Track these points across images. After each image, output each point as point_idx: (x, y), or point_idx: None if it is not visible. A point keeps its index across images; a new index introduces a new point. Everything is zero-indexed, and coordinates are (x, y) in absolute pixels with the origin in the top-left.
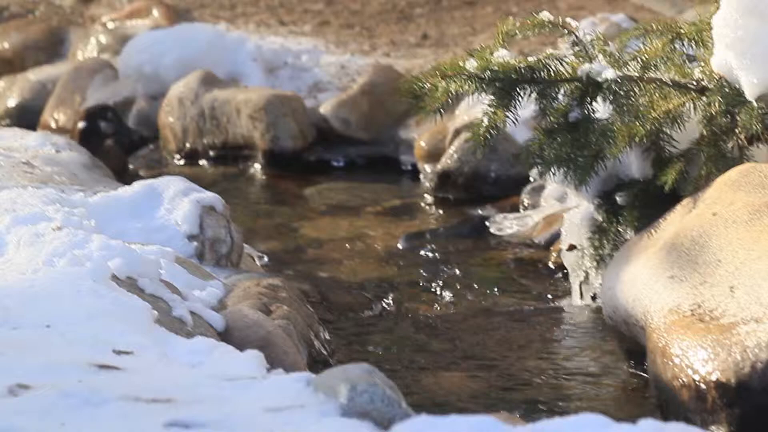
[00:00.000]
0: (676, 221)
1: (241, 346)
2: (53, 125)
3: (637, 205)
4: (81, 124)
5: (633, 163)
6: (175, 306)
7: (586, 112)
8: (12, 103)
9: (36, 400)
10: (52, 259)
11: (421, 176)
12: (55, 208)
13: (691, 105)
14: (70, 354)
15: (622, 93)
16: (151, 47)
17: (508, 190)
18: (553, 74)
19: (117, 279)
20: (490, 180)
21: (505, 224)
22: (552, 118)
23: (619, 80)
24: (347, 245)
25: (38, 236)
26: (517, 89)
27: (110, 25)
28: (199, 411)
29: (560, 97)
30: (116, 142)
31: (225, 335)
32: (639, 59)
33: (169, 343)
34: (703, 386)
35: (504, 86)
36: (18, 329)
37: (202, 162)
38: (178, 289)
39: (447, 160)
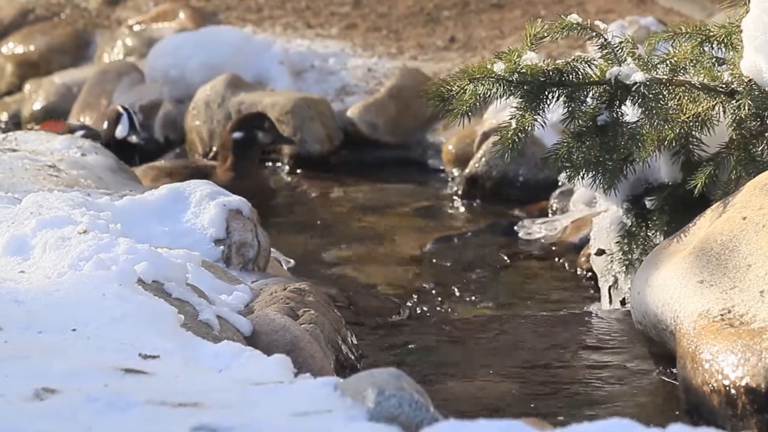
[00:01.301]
0: (705, 225)
1: (267, 351)
2: None
3: (666, 209)
4: (236, 134)
5: (662, 167)
6: (202, 310)
7: (614, 115)
8: (38, 106)
9: (62, 404)
10: (77, 263)
11: (449, 180)
12: (81, 212)
13: (721, 108)
14: (96, 358)
15: (651, 96)
16: (177, 50)
17: (536, 195)
18: (581, 77)
19: (143, 283)
20: (518, 184)
21: (533, 229)
22: (580, 122)
23: (648, 83)
24: (374, 249)
25: (64, 240)
26: (546, 92)
27: (136, 28)
28: (225, 415)
29: (589, 100)
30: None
31: (252, 339)
32: (668, 62)
33: (196, 348)
34: (733, 391)
35: (532, 89)
36: (44, 333)
37: None
38: (205, 293)
39: (475, 164)
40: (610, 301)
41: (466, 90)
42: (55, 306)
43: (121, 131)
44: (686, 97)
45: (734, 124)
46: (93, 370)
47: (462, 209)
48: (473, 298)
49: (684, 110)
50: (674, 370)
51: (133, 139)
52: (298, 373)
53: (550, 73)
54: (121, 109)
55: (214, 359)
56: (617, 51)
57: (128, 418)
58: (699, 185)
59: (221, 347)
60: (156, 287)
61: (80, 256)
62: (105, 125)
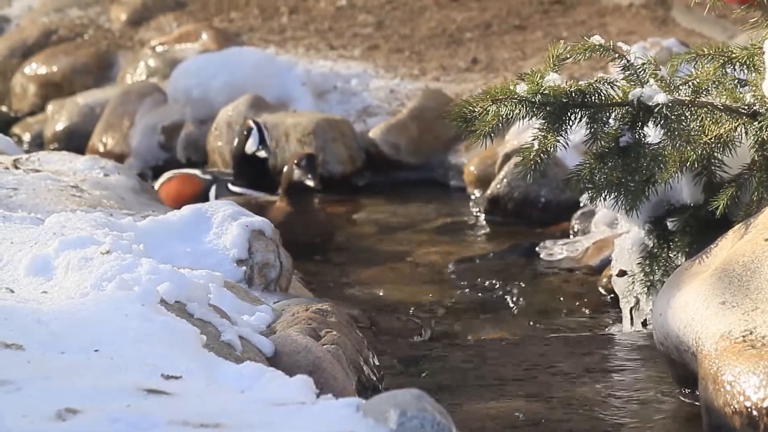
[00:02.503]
0: (727, 247)
1: (290, 372)
2: (101, 149)
3: (688, 230)
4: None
5: (684, 188)
6: (224, 331)
7: (637, 136)
8: (60, 126)
9: (84, 424)
10: (100, 283)
11: (471, 201)
12: (103, 232)
13: (743, 129)
14: (119, 378)
15: (673, 117)
16: (200, 71)
17: (558, 216)
18: (604, 98)
19: (165, 303)
20: (540, 205)
21: (555, 250)
22: (603, 143)
23: (670, 105)
24: (397, 270)
25: (87, 260)
26: (568, 113)
27: (159, 49)
28: None
29: (611, 121)
30: None
31: (274, 360)
32: (690, 84)
33: (218, 368)
34: (755, 413)
35: (554, 110)
36: (66, 353)
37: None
38: (227, 313)
39: (497, 185)
40: (632, 323)
41: (488, 111)
42: (78, 326)
43: (251, 145)
44: (708, 119)
45: (756, 146)
46: (115, 390)
47: (484, 230)
48: (495, 319)
49: (706, 131)
50: (696, 392)
51: (262, 153)
52: (320, 394)
53: (573, 95)
54: (251, 123)
55: (236, 380)
56: (639, 72)
57: None
58: (721, 206)
59: (243, 368)
60: (178, 308)
61: (103, 277)
62: (235, 140)
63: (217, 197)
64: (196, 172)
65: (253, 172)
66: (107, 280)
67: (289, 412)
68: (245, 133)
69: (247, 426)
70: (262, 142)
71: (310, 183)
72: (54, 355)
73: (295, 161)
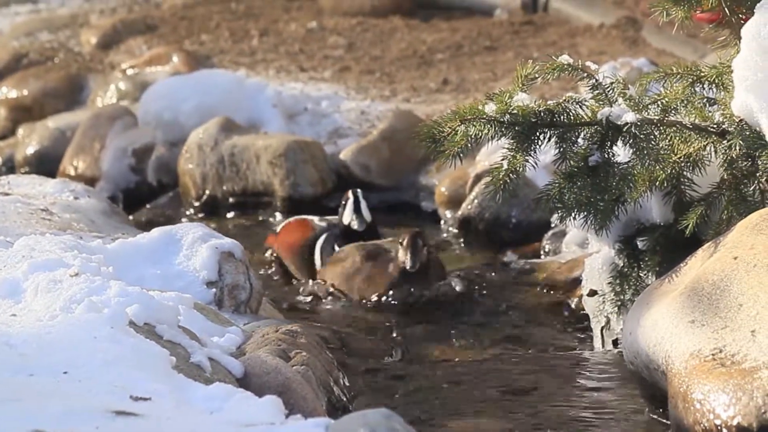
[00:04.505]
0: (697, 266)
1: (259, 393)
2: (72, 172)
3: (658, 249)
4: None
5: (653, 208)
6: (194, 352)
7: (606, 155)
8: (31, 150)
9: None
10: (69, 306)
11: (442, 222)
12: (72, 255)
13: (712, 148)
14: (88, 400)
15: (642, 136)
16: (170, 94)
17: (529, 236)
18: (572, 118)
19: (135, 325)
20: (510, 225)
21: (526, 270)
22: (572, 162)
23: (639, 123)
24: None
25: (56, 283)
26: (537, 133)
27: (129, 72)
28: None
29: (580, 140)
30: None
31: (244, 381)
32: (659, 102)
33: (187, 390)
34: (724, 431)
35: (523, 130)
36: (35, 376)
37: (222, 209)
38: (197, 335)
39: (467, 206)
40: (603, 342)
41: (457, 131)
42: (47, 349)
43: (346, 217)
44: (677, 138)
45: (725, 164)
46: (85, 412)
47: (455, 251)
48: (465, 338)
49: (675, 150)
50: (666, 411)
51: (355, 225)
52: (290, 414)
53: (542, 114)
54: (349, 194)
55: (205, 401)
56: (608, 91)
57: None
58: (690, 225)
59: (213, 389)
60: (148, 330)
61: (72, 299)
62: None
63: (325, 247)
64: (313, 218)
65: (355, 238)
66: (76, 303)
67: None
68: (344, 203)
69: None
70: (356, 212)
71: (408, 266)
72: (23, 377)
73: (399, 240)
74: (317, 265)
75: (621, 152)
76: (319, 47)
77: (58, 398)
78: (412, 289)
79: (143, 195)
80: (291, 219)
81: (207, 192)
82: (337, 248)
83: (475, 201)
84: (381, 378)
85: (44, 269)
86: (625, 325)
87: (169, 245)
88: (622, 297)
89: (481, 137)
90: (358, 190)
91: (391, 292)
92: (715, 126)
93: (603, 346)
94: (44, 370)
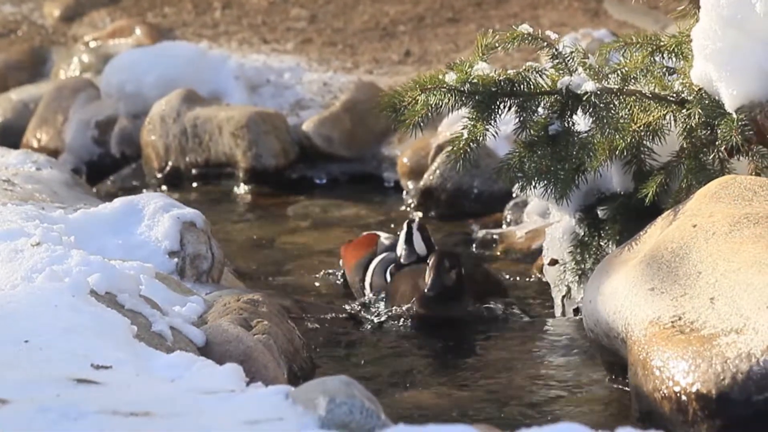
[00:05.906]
0: (656, 234)
1: (221, 361)
2: (35, 144)
3: (618, 218)
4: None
5: (614, 177)
6: (155, 321)
7: (566, 125)
8: None
9: (14, 414)
10: (30, 275)
11: (404, 193)
12: (34, 224)
13: (672, 117)
14: (49, 369)
15: (602, 105)
16: (133, 66)
17: (491, 206)
18: (533, 87)
19: (96, 294)
20: (472, 196)
21: (487, 240)
22: (532, 131)
23: (598, 92)
24: (329, 261)
25: (17, 252)
26: (497, 102)
27: (92, 45)
28: (177, 424)
29: (540, 110)
30: None
31: (205, 350)
32: (619, 72)
33: (148, 358)
34: (684, 398)
35: (483, 99)
36: None
37: (185, 180)
38: (158, 304)
39: (429, 177)
40: (564, 311)
41: (417, 100)
42: (8, 318)
43: (399, 249)
44: (637, 107)
45: (685, 133)
46: (45, 380)
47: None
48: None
49: (635, 119)
50: (626, 378)
51: (402, 257)
52: (251, 382)
53: (502, 83)
54: (405, 226)
55: (166, 369)
56: (568, 61)
57: (80, 428)
58: (650, 194)
59: (174, 357)
60: (109, 299)
61: (33, 268)
62: None
63: (377, 269)
64: (383, 234)
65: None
66: (37, 272)
67: (218, 399)
68: (398, 234)
69: (177, 414)
70: (407, 243)
71: (426, 289)
72: None
73: (428, 260)
74: (366, 286)
75: (581, 121)
76: (281, 19)
77: (19, 367)
78: (439, 310)
79: (106, 167)
80: (364, 233)
81: (170, 163)
82: (389, 273)
83: (437, 171)
84: (342, 347)
85: (5, 239)
86: (585, 294)
87: (130, 215)
88: (582, 266)
89: (441, 106)
90: (415, 221)
91: (416, 312)
92: (674, 95)
93: (564, 315)
94: (5, 339)
